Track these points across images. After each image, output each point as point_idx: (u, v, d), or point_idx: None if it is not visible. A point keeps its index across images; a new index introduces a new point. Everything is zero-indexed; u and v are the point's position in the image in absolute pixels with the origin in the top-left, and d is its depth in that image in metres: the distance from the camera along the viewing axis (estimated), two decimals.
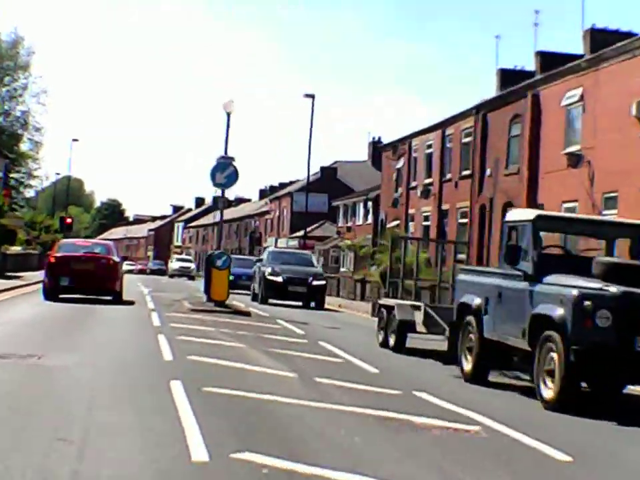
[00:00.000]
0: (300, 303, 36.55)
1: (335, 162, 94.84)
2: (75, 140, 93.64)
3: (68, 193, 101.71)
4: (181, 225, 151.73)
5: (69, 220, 71.22)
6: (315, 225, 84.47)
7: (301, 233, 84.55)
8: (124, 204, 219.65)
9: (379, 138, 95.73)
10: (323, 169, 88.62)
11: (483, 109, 45.62)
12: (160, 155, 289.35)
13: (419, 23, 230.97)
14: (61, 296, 27.53)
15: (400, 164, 56.80)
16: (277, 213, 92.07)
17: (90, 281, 27.24)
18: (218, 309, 27.64)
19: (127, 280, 37.20)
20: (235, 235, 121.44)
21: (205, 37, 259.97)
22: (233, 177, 29.93)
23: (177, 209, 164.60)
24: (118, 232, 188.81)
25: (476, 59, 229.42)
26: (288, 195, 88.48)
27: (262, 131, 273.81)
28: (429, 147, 52.35)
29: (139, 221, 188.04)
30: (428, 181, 51.79)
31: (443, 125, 50.55)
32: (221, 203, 31.40)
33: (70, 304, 27.05)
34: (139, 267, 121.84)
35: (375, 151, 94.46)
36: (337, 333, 24.64)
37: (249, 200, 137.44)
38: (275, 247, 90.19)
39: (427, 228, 51.84)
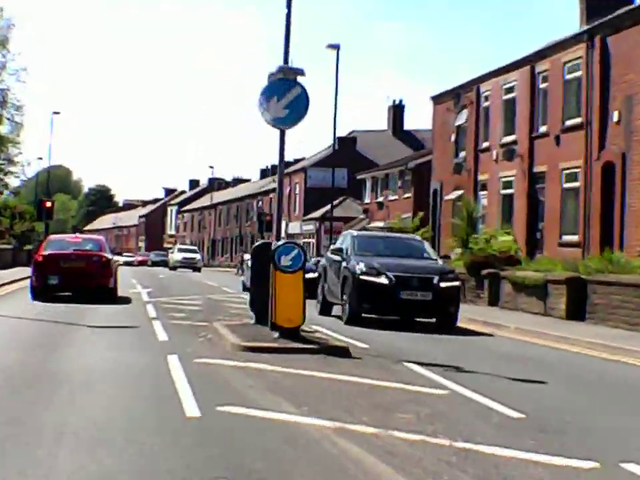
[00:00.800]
0: (412, 319, 21.55)
1: (352, 132, 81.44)
2: (55, 113, 79.87)
3: (49, 173, 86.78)
4: (174, 209, 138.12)
5: (48, 203, 57.13)
6: (334, 203, 71.22)
7: (317, 213, 71.29)
8: (113, 189, 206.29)
9: (400, 101, 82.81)
10: (340, 139, 75.34)
11: (599, 32, 32.44)
12: (151, 139, 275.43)
13: None
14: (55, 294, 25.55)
15: (461, 119, 43.53)
16: (287, 191, 78.74)
17: (81, 280, 25.54)
18: (290, 344, 14.46)
19: (122, 274, 33.68)
20: (235, 219, 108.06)
21: (202, 22, 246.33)
22: (301, 105, 16.60)
23: (169, 191, 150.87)
24: (107, 220, 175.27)
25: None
26: (300, 170, 75.22)
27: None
28: (509, 91, 39.09)
29: (128, 206, 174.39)
30: (510, 138, 38.60)
31: (530, 61, 37.29)
32: (280, 172, 17.92)
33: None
34: (139, 258, 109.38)
35: (395, 117, 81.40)
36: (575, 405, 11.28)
37: (247, 180, 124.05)
38: (287, 231, 76.93)
39: (508, 198, 38.70)
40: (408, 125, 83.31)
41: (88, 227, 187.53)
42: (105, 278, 25.91)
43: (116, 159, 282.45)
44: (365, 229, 61.78)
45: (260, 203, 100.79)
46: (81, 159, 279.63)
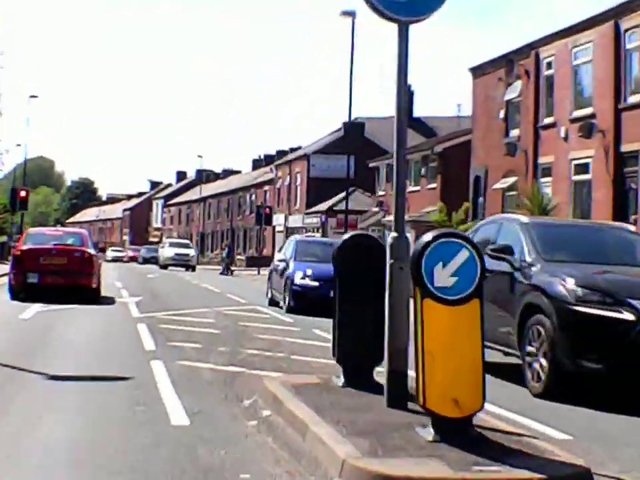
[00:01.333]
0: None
1: (356, 118, 73.37)
2: (33, 97, 71.89)
3: (25, 162, 78.61)
4: (160, 202, 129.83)
5: (22, 193, 48.95)
6: (340, 196, 63.45)
7: (322, 206, 63.39)
8: (97, 183, 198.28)
9: (409, 86, 74.54)
10: (346, 125, 67.41)
11: None
12: (137, 133, 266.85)
13: None
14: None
15: (514, 92, 35.77)
16: (287, 182, 70.86)
17: (62, 278, 23.03)
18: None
19: (104, 274, 29.19)
20: (226, 213, 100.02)
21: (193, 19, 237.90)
22: None
23: (155, 184, 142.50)
24: (90, 213, 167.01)
25: None
26: (303, 158, 67.30)
27: (253, 98, 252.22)
28: (582, 54, 31.34)
29: (112, 200, 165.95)
30: (584, 111, 30.88)
31: (608, 17, 29.54)
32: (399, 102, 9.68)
33: None
34: (130, 254, 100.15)
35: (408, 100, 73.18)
36: None
37: (238, 172, 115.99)
38: (287, 224, 69.09)
39: (583, 185, 31.01)
40: (417, 111, 75.48)
41: (71, 220, 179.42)
42: (87, 277, 23.86)
43: (100, 152, 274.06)
44: (378, 223, 54.06)
45: (253, 196, 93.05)
46: (64, 151, 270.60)
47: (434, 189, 48.31)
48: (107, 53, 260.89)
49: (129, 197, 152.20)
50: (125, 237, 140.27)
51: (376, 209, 54.87)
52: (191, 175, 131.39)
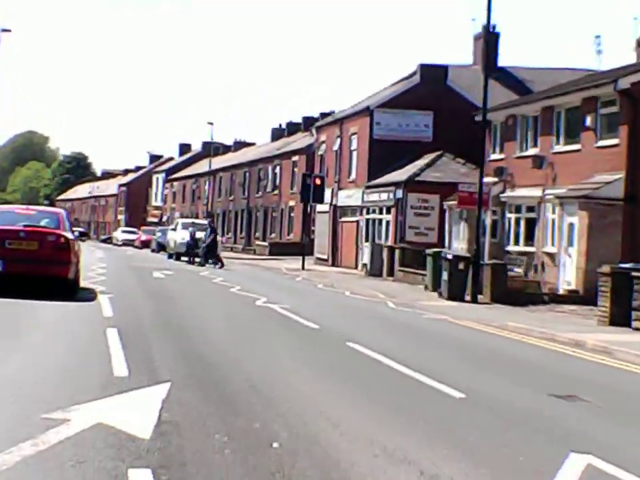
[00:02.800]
0: None
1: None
2: (5, 30, 52.50)
3: None
4: (161, 177, 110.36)
5: None
6: (420, 163, 44.24)
7: (393, 176, 44.38)
8: (91, 158, 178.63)
9: (493, 27, 55.15)
10: (424, 68, 48.24)
11: None
12: (137, 105, 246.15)
13: None
14: None
15: None
16: (336, 147, 51.45)
17: (32, 266, 18.96)
18: None
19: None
20: (242, 188, 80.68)
21: None
22: None
23: (155, 158, 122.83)
24: (83, 190, 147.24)
25: None
26: (363, 114, 47.75)
27: (266, 65, 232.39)
28: None
29: (108, 176, 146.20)
30: None
31: None
32: None
33: None
34: (143, 237, 78.26)
35: (488, 46, 53.96)
36: None
37: (252, 144, 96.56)
38: (335, 202, 50.03)
39: None
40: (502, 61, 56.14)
41: (61, 197, 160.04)
42: (62, 266, 19.20)
43: (98, 126, 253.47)
44: (500, 202, 35.03)
45: (262, 171, 73.69)
46: (60, 127, 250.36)
47: (612, 146, 29.17)
48: (105, 45, 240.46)
49: (126, 172, 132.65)
50: (120, 217, 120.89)
51: (493, 179, 35.61)
52: (197, 148, 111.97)
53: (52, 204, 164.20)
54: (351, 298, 27.66)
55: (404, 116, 47.47)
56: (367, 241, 46.44)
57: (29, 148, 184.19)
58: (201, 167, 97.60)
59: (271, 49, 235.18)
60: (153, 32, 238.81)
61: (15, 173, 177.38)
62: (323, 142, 55.05)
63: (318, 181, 44.48)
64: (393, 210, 43.32)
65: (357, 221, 48.24)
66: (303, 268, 44.68)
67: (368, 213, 46.69)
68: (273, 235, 71.98)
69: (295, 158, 69.14)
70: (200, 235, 45.10)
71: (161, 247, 57.50)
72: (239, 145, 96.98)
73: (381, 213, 44.99)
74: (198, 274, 34.10)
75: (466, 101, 48.19)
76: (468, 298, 28.04)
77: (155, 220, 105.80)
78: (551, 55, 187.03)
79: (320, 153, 55.32)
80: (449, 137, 45.27)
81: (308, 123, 78.19)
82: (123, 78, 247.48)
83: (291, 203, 68.58)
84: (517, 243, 35.23)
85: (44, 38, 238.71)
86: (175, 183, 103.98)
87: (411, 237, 41.51)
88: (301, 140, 73.58)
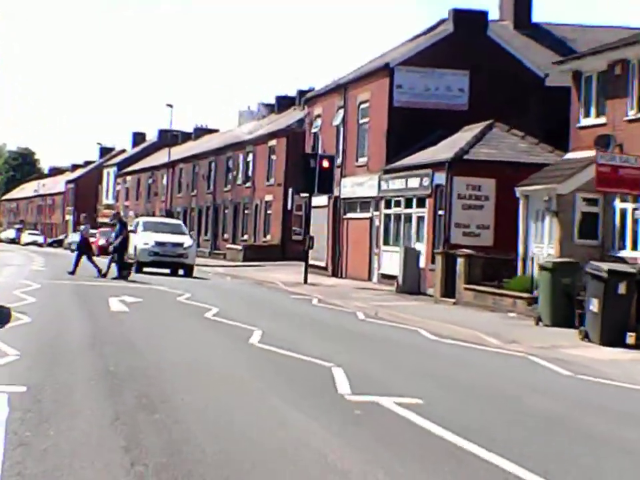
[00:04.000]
0: None
1: (442, 20, 41.86)
2: None
3: None
4: (113, 171, 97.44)
5: None
6: (469, 136, 32.34)
7: (419, 156, 32.57)
8: (39, 154, 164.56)
9: None
10: (457, 14, 36.12)
11: None
12: (87, 97, 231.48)
13: None
14: None
15: None
16: (337, 122, 39.20)
17: None
18: None
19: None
20: (208, 182, 68.34)
21: None
22: None
23: (106, 151, 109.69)
24: (30, 188, 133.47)
25: None
26: (379, 74, 35.41)
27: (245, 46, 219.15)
28: None
29: (56, 172, 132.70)
30: None
31: None
32: None
33: None
34: (103, 241, 53.37)
35: (518, 3, 42.35)
36: None
37: (215, 130, 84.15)
38: (338, 193, 38.06)
39: None
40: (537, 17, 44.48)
41: (6, 197, 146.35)
42: None
43: (46, 121, 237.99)
44: (589, 186, 23.16)
45: (250, 155, 61.48)
46: (5, 120, 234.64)
47: None
48: (58, 36, 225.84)
49: (74, 168, 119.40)
50: (68, 217, 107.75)
51: (586, 154, 23.66)
52: (152, 138, 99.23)
53: None
54: (448, 345, 15.92)
55: (433, 76, 35.64)
56: (385, 243, 34.51)
57: None
58: (158, 158, 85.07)
59: (237, 40, 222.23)
60: (102, 22, 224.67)
61: None
62: (318, 116, 42.92)
63: (326, 163, 32.50)
64: (428, 201, 31.38)
65: (370, 218, 36.29)
66: (306, 281, 32.63)
67: (388, 206, 34.70)
68: (246, 237, 59.80)
69: (272, 142, 56.99)
70: (170, 238, 32.90)
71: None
72: (201, 132, 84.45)
73: (409, 205, 33.00)
74: (174, 298, 21.91)
75: (512, 57, 36.55)
76: (630, 340, 16.43)
77: (107, 220, 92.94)
78: (584, 12, 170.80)
79: (314, 130, 43.16)
80: (491, 104, 33.71)
81: (284, 102, 66.22)
82: (74, 70, 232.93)
83: (268, 197, 56.51)
84: (635, 246, 23.55)
85: None
86: (128, 178, 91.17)
87: (458, 239, 29.64)
88: (277, 121, 61.45)
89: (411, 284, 29.60)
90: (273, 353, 12.62)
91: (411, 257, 29.81)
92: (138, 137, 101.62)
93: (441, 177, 30.44)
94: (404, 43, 40.72)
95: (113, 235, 30.76)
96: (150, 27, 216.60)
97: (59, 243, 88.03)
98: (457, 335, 17.34)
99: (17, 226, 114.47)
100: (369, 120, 37.01)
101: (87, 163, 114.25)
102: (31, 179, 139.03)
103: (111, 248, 30.40)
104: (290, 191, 53.02)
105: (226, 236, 63.30)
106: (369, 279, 35.59)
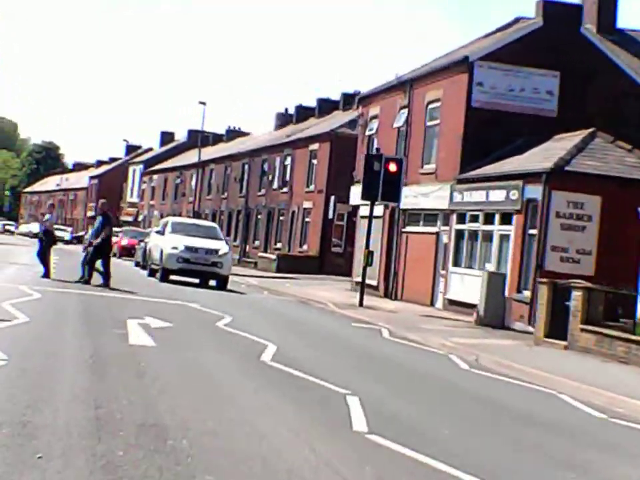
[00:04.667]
0: None
1: (517, 19, 36.44)
2: None
3: None
4: (139, 169, 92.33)
5: None
6: (568, 145, 26.74)
7: (504, 165, 26.98)
8: (64, 149, 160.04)
9: None
10: (548, 6, 30.69)
11: None
12: (116, 95, 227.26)
13: None
14: None
15: None
16: (399, 124, 33.72)
17: None
18: None
19: None
20: (240, 184, 63.04)
21: None
22: None
23: (132, 149, 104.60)
24: (53, 182, 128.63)
25: None
26: (455, 69, 30.04)
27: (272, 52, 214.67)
28: None
29: (79, 167, 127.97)
30: None
31: None
32: None
33: None
34: (126, 241, 50.40)
35: (602, 6, 36.77)
36: None
37: (246, 134, 78.91)
38: (398, 203, 32.31)
39: None
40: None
41: (28, 189, 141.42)
42: None
43: (72, 117, 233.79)
44: None
45: (266, 164, 56.16)
46: (31, 114, 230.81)
47: None
48: (86, 33, 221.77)
49: (99, 164, 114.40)
50: (90, 213, 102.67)
51: None
52: (180, 138, 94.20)
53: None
54: None
55: (518, 75, 30.21)
56: (455, 263, 29.06)
57: None
58: (186, 158, 79.91)
59: (266, 46, 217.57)
60: (134, 17, 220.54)
61: None
62: (374, 117, 37.50)
63: (393, 167, 26.97)
64: (517, 218, 25.89)
65: (437, 233, 30.86)
66: (361, 304, 27.14)
67: (461, 221, 29.22)
68: (279, 245, 54.43)
69: (314, 146, 51.65)
70: (203, 243, 27.54)
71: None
72: (233, 134, 79.31)
73: (489, 221, 27.52)
74: (213, 323, 16.43)
75: (608, 59, 31.11)
76: None
77: (129, 219, 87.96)
78: None
79: (368, 133, 37.73)
80: (583, 111, 28.49)
81: (325, 105, 60.94)
82: (101, 65, 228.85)
83: (306, 204, 51.19)
84: None
85: (12, 21, 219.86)
86: (155, 177, 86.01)
87: (554, 264, 24.17)
88: (318, 125, 56.15)
89: (494, 315, 24.14)
90: (399, 459, 7.17)
91: (495, 283, 24.34)
92: (166, 136, 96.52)
93: (534, 190, 24.98)
94: (479, 38, 35.37)
95: (91, 231, 24.01)
96: (186, 25, 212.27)
97: (78, 240, 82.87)
98: (633, 411, 11.83)
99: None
100: (440, 122, 31.55)
101: (113, 160, 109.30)
102: (54, 173, 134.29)
103: (85, 245, 23.93)
104: (332, 198, 47.75)
105: (257, 243, 58.01)
106: (431, 303, 30.16)
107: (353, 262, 37.84)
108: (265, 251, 54.84)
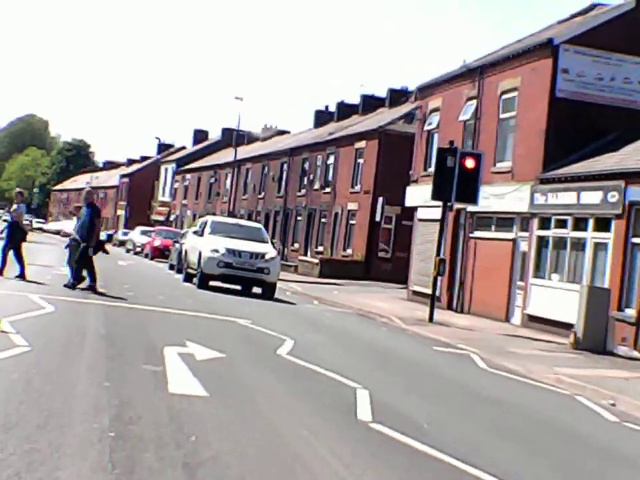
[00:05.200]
0: None
1: (594, 5, 32.37)
2: None
3: None
4: (171, 167, 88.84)
5: None
6: None
7: (598, 162, 22.60)
8: (94, 147, 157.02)
9: None
10: None
11: None
12: (147, 92, 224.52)
13: None
14: None
15: None
16: (467, 116, 29.82)
17: None
18: None
19: None
20: (279, 183, 59.34)
21: None
22: None
23: (164, 147, 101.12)
24: (83, 180, 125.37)
25: None
26: (538, 53, 26.09)
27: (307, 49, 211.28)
28: None
29: (110, 165, 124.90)
30: None
31: None
32: None
33: None
34: (159, 241, 47.12)
35: None
36: None
37: (285, 132, 75.19)
38: (457, 205, 27.86)
39: None
40: None
41: (58, 187, 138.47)
42: None
43: (103, 113, 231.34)
44: None
45: (331, 158, 52.46)
46: (62, 112, 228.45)
47: None
48: (116, 26, 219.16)
49: (130, 162, 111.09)
50: (120, 212, 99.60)
51: None
52: (214, 137, 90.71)
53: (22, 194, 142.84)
54: None
55: (608, 62, 26.24)
56: (537, 275, 25.10)
57: (28, 133, 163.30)
58: (221, 157, 76.43)
59: (300, 43, 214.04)
60: (168, 14, 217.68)
61: (12, 159, 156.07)
62: (434, 110, 33.57)
63: (470, 162, 23.00)
64: (616, 223, 21.91)
65: (514, 239, 26.88)
66: (432, 319, 23.23)
67: (545, 226, 25.25)
68: (320, 249, 50.62)
69: (360, 144, 47.78)
70: (247, 246, 23.81)
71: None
72: (270, 133, 75.54)
73: (580, 227, 23.53)
74: (272, 351, 12.55)
75: None
76: None
77: (161, 218, 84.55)
78: None
79: (427, 128, 33.81)
80: None
81: (370, 102, 57.09)
82: (133, 62, 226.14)
83: (351, 206, 47.36)
84: None
85: (48, 19, 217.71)
86: (188, 176, 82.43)
87: None
88: (362, 122, 52.32)
89: (595, 338, 20.17)
90: None
91: (597, 300, 20.33)
92: (199, 135, 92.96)
93: (639, 192, 20.94)
94: (552, 25, 31.35)
95: (76, 222, 19.36)
96: (222, 21, 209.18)
97: (108, 239, 79.60)
98: None
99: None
100: (516, 114, 27.58)
101: (144, 158, 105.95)
102: (84, 172, 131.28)
103: (69, 242, 19.57)
104: (379, 200, 43.86)
105: (296, 245, 54.22)
106: (507, 319, 26.22)
107: (409, 269, 33.99)
108: (305, 254, 51.07)
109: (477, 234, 28.96)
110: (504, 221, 27.49)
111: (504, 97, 28.39)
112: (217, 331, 14.26)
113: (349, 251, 47.06)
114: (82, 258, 18.26)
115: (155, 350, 10.61)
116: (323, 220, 51.06)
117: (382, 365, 13.47)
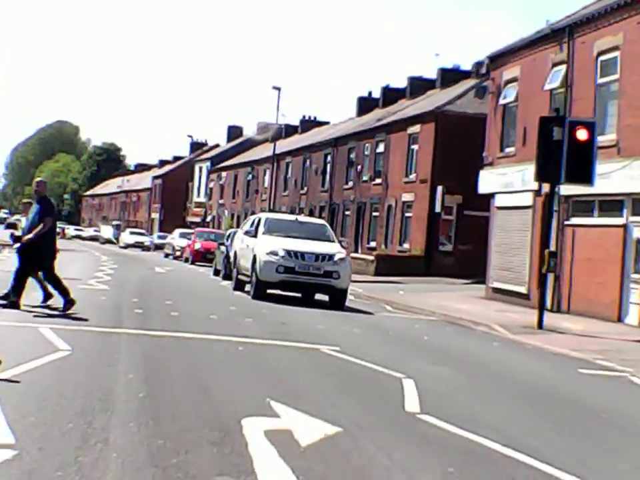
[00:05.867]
0: None
1: None
2: None
3: None
4: (206, 166, 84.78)
5: None
6: None
7: None
8: (124, 150, 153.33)
9: None
10: None
11: None
12: (176, 94, 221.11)
13: None
14: None
15: None
16: (554, 84, 25.41)
17: None
18: None
19: None
20: (323, 177, 55.10)
21: None
22: None
23: (197, 146, 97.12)
24: (114, 184, 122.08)
25: None
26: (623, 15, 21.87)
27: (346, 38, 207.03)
28: None
29: (141, 168, 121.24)
30: None
31: None
32: None
33: None
34: (199, 244, 42.89)
35: None
36: None
37: (324, 123, 70.92)
38: (545, 189, 22.92)
39: None
40: None
41: (89, 192, 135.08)
42: None
43: (133, 117, 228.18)
44: None
45: (381, 146, 48.19)
46: (92, 117, 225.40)
47: None
48: (144, 28, 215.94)
49: (162, 164, 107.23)
50: (154, 215, 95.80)
51: None
52: (249, 132, 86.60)
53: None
54: None
55: None
56: None
57: (58, 139, 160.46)
58: (258, 153, 72.30)
59: (337, 30, 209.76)
60: (199, 9, 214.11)
61: (42, 166, 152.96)
62: (510, 81, 29.12)
63: (583, 134, 18.54)
64: None
65: (624, 226, 22.39)
66: (541, 325, 18.84)
67: None
68: (373, 244, 46.31)
69: (414, 128, 43.40)
70: (310, 246, 19.61)
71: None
72: (309, 125, 71.27)
73: None
74: (412, 420, 8.24)
75: None
76: None
77: (197, 219, 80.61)
78: None
79: (503, 102, 29.35)
80: None
81: (418, 84, 52.67)
82: (162, 61, 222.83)
83: (406, 197, 43.03)
84: None
85: (76, 24, 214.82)
86: (223, 174, 78.36)
87: None
88: (412, 106, 47.93)
89: None
90: None
91: None
92: (234, 131, 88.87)
93: None
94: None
95: (25, 223, 14.74)
96: (251, 15, 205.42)
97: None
98: None
99: (115, 222, 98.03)
100: (619, 77, 23.06)
101: (176, 159, 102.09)
102: (115, 175, 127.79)
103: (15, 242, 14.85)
104: (438, 189, 39.51)
105: (346, 241, 49.87)
106: (619, 318, 21.79)
107: (487, 263, 29.67)
108: (356, 251, 46.76)
109: (575, 221, 24.50)
110: (610, 204, 23.02)
111: (601, 58, 23.89)
112: (304, 372, 10.01)
113: (406, 246, 42.75)
114: (42, 270, 13.93)
115: (227, 430, 6.35)
116: (374, 214, 46.76)
117: (550, 417, 9.10)
